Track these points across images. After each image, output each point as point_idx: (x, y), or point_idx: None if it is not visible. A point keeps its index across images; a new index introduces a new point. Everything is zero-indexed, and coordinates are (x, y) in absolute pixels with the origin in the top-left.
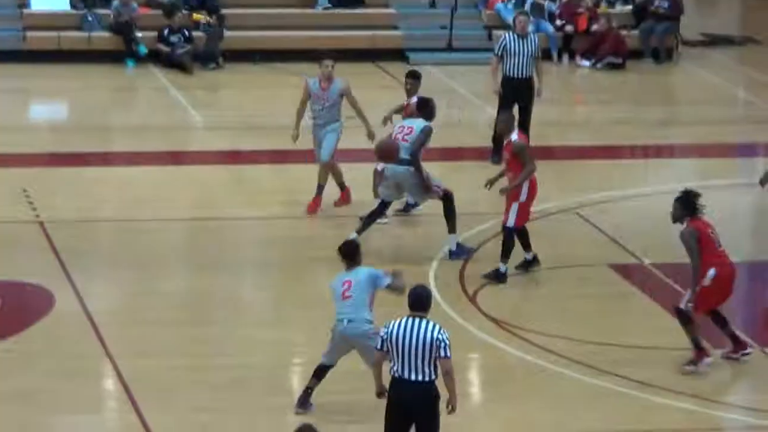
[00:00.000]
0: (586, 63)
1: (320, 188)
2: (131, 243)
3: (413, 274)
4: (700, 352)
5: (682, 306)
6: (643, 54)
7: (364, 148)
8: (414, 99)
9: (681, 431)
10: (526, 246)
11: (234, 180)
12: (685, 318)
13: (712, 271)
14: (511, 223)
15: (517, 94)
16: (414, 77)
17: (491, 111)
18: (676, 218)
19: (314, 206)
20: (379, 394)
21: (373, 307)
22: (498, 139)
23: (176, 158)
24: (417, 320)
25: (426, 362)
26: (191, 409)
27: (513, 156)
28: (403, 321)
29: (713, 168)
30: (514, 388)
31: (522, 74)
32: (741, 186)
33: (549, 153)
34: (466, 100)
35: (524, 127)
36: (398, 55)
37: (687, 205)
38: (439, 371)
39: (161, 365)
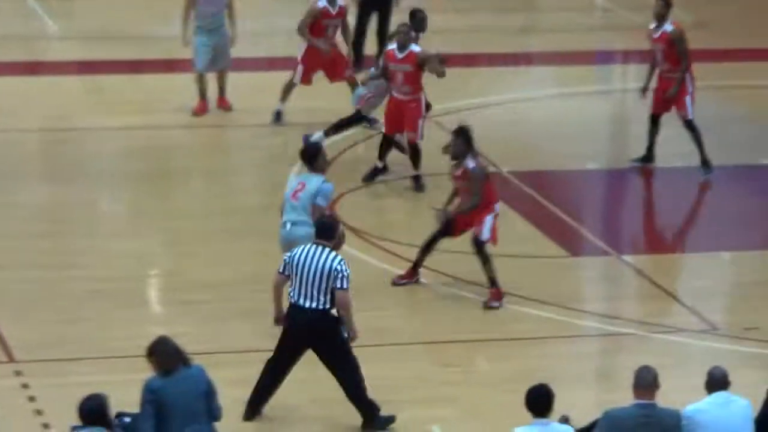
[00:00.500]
0: None
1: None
2: None
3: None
4: (499, 290)
5: (483, 238)
6: None
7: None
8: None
9: (542, 338)
10: (381, 156)
11: (91, 90)
12: (485, 255)
13: (498, 205)
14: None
15: (377, 3)
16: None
17: (351, 19)
18: (458, 154)
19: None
20: (277, 320)
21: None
22: (359, 50)
23: (32, 68)
24: (320, 248)
25: (321, 290)
26: (47, 321)
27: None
28: (306, 248)
29: (572, 75)
30: (376, 298)
31: None
32: (599, 93)
33: None
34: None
35: (382, 34)
36: None
37: (469, 140)
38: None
39: (16, 277)
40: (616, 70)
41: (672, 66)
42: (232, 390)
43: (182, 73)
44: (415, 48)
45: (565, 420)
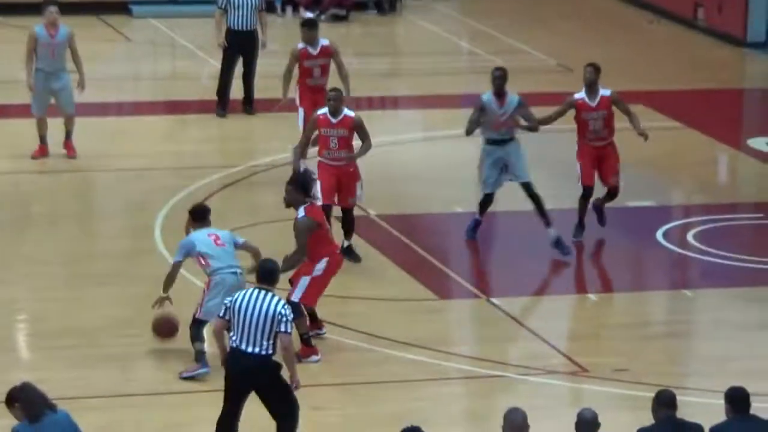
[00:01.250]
0: (310, 14)
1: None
2: None
3: (142, 224)
4: (310, 348)
5: (294, 299)
6: (367, 5)
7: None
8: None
9: (414, 381)
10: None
11: None
12: (298, 312)
13: (323, 263)
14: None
15: (241, 47)
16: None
17: (215, 64)
18: (291, 203)
19: (40, 153)
20: (224, 362)
21: None
22: (225, 93)
23: None
24: (263, 292)
25: (265, 335)
26: None
27: (351, 131)
28: (249, 292)
29: (437, 119)
30: None
31: (246, 26)
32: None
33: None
34: (189, 53)
35: (248, 80)
36: (121, 7)
37: (303, 187)
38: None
39: None
40: None
41: (610, 132)
42: None
43: (24, 118)
44: (349, 112)
45: None
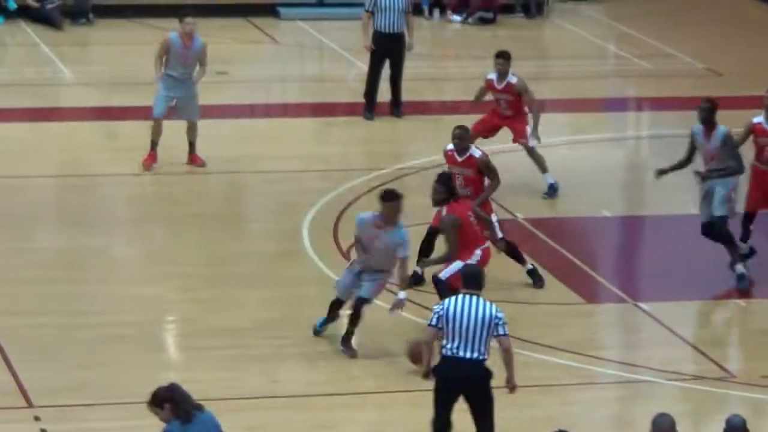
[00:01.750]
0: (458, 18)
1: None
2: (1, 200)
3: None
4: None
5: (442, 276)
6: (514, 8)
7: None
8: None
9: (562, 386)
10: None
11: (104, 136)
12: (444, 288)
13: (477, 254)
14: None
15: (388, 50)
16: (504, 57)
17: (362, 66)
18: (438, 201)
19: (150, 161)
20: (426, 375)
21: None
22: (372, 96)
23: (46, 114)
24: (474, 298)
25: (482, 341)
26: (65, 366)
27: (477, 171)
28: (459, 298)
29: (584, 123)
30: (393, 342)
31: (393, 29)
32: (612, 140)
33: (424, 107)
34: (337, 55)
35: (395, 83)
36: (269, 10)
37: (448, 187)
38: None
39: (33, 323)
40: (629, 116)
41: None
42: None
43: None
44: (475, 152)
45: None
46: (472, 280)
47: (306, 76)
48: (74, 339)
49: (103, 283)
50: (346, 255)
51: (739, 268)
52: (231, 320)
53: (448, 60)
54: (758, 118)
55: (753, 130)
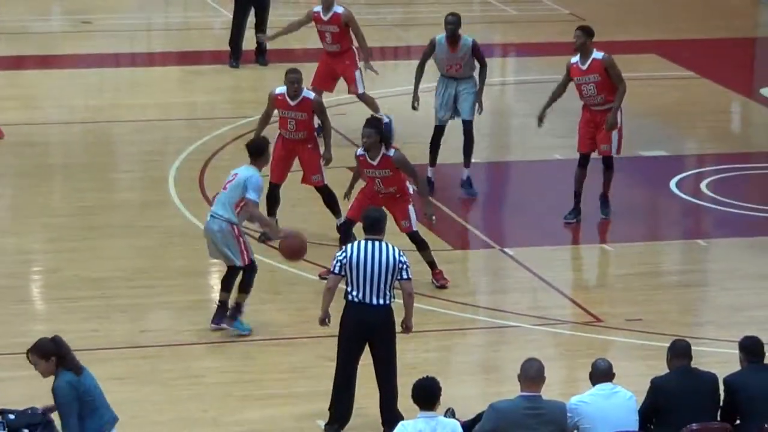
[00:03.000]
0: None
1: None
2: None
3: (156, 176)
4: (439, 271)
5: (415, 228)
6: None
7: None
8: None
9: (428, 332)
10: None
11: None
12: (423, 241)
13: (409, 187)
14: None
15: None
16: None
17: (227, 14)
18: (372, 145)
19: None
20: (322, 321)
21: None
22: (238, 44)
23: None
24: (376, 243)
25: (387, 285)
26: None
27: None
28: (362, 244)
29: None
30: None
31: None
32: None
33: (289, 55)
34: (202, 3)
35: (260, 30)
36: None
37: (379, 130)
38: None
39: None
40: (495, 62)
41: (607, 97)
42: (118, 386)
43: (59, 68)
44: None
45: (451, 413)
46: (375, 225)
47: (171, 24)
48: None
49: None
50: (210, 203)
51: (466, 172)
52: (97, 271)
53: (313, 6)
54: (574, 59)
55: (567, 69)
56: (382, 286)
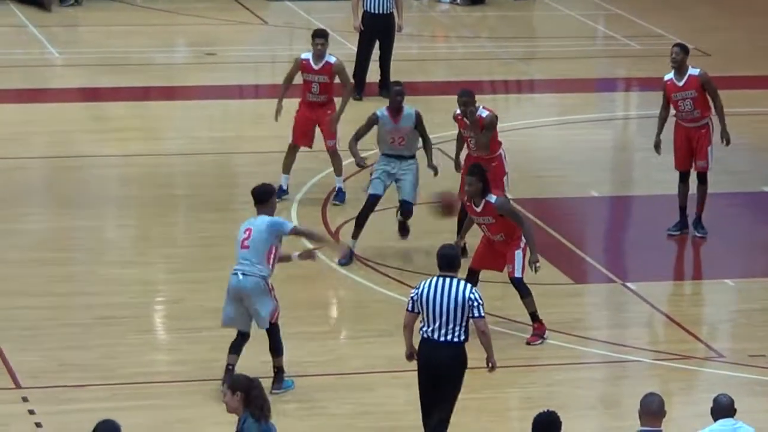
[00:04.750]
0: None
1: None
2: None
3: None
4: (542, 324)
5: (518, 275)
6: None
7: None
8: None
9: (549, 365)
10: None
11: (93, 118)
12: (526, 289)
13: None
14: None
15: (377, 30)
16: (322, 36)
17: (351, 47)
18: (478, 194)
19: None
20: (409, 356)
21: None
22: (361, 77)
23: (34, 96)
24: (448, 280)
25: (458, 323)
26: (53, 348)
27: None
28: (434, 281)
29: (573, 103)
30: (381, 323)
31: (382, 9)
32: (600, 120)
33: (413, 88)
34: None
35: (384, 63)
36: None
37: (486, 179)
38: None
39: (22, 304)
40: (618, 96)
41: (703, 112)
42: None
43: (183, 100)
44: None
45: None
46: (447, 262)
47: (294, 56)
48: (63, 320)
49: (93, 265)
50: (334, 236)
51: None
52: (220, 301)
53: (437, 41)
54: (669, 75)
55: (664, 88)
56: (451, 323)
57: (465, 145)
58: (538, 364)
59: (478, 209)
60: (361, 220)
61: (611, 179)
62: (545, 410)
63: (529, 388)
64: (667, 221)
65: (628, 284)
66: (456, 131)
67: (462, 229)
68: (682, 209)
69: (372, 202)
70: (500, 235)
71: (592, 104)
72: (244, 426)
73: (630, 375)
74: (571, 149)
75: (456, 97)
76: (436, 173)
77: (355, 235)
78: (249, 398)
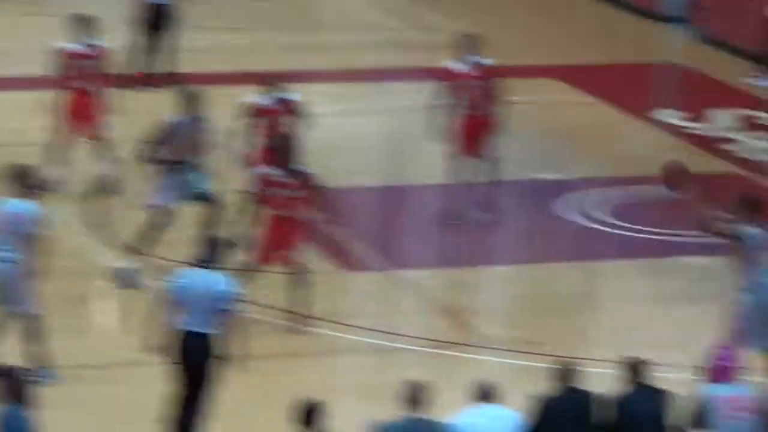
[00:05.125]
0: None
1: None
2: None
3: None
4: None
5: None
6: None
7: None
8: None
9: (313, 354)
10: None
11: None
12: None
13: None
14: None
15: (158, 20)
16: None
17: (131, 36)
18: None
19: None
20: (160, 349)
21: None
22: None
23: None
24: (205, 271)
25: (212, 314)
26: None
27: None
28: (191, 271)
29: (353, 93)
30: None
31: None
32: (376, 111)
33: (187, 80)
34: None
35: (165, 54)
36: None
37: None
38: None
39: None
40: (395, 87)
41: (487, 102)
42: None
43: None
44: None
45: None
46: (209, 252)
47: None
48: None
49: None
50: None
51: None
52: None
53: (213, 32)
54: (452, 64)
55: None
56: (205, 314)
57: None
58: (302, 354)
59: None
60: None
61: (384, 169)
62: (307, 398)
63: (293, 376)
64: (439, 209)
65: (399, 272)
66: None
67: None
68: (459, 197)
69: None
70: None
71: (369, 94)
72: (4, 413)
73: (399, 363)
74: (345, 139)
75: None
76: None
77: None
78: (8, 386)
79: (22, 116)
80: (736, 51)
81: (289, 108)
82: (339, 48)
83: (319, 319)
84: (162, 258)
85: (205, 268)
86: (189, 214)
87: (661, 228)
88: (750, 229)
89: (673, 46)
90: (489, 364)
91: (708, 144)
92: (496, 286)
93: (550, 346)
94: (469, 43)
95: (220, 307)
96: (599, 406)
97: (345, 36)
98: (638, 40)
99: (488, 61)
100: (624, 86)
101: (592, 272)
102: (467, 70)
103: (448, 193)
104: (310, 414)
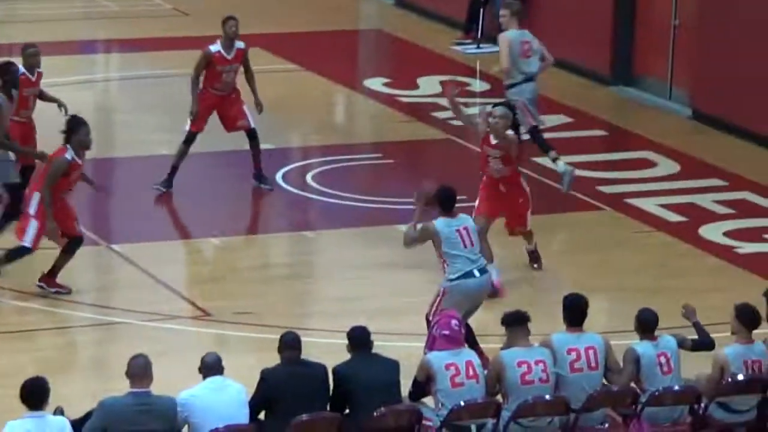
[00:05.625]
0: None
1: None
2: None
3: None
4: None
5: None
6: None
7: None
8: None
9: (31, 331)
10: None
11: None
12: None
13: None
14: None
15: None
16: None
17: None
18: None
19: None
20: None
21: None
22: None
23: None
24: None
25: None
26: None
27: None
28: None
29: (56, 66)
30: None
31: None
32: (82, 83)
33: None
34: None
35: None
36: None
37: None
38: None
39: None
40: (100, 59)
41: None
42: None
43: None
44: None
45: (60, 411)
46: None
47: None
48: None
49: None
50: None
51: None
52: None
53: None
54: (215, 47)
55: (210, 59)
56: None
57: None
58: (22, 330)
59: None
60: None
61: (94, 142)
62: (35, 376)
63: (13, 355)
64: (148, 182)
65: (113, 246)
66: None
67: None
68: (174, 168)
69: None
70: None
71: (74, 66)
72: None
73: (119, 337)
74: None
75: None
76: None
77: None
78: None
79: None
80: (441, 18)
81: None
82: (40, 20)
83: (37, 295)
84: None
85: None
86: None
87: (374, 196)
88: (439, 223)
89: (376, 14)
90: (210, 337)
91: (416, 111)
92: (211, 258)
93: (271, 317)
94: None
95: None
96: (325, 377)
97: (44, 7)
98: (343, 8)
99: (241, 45)
100: (331, 54)
101: (308, 242)
102: (228, 55)
103: (159, 166)
104: (35, 391)
